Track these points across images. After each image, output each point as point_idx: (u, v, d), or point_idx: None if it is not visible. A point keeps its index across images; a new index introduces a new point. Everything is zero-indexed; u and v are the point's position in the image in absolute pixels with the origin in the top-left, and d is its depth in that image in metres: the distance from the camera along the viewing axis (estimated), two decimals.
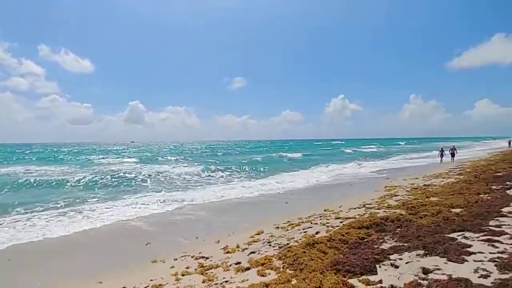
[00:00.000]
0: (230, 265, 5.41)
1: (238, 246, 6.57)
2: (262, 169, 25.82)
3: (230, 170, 24.57)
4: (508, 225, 5.75)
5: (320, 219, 8.10)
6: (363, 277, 4.06)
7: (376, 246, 5.19)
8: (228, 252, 6.31)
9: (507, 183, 10.83)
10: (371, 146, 77.99)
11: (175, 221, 9.67)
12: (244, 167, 26.57)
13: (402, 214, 7.23)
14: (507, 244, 4.73)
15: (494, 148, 53.22)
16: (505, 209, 6.99)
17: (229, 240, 7.16)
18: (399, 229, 6.13)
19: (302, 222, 8.01)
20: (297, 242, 6.11)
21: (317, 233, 6.71)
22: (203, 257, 6.21)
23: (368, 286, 3.80)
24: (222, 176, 21.93)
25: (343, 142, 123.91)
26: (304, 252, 5.19)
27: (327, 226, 7.17)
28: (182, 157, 43.12)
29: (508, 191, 9.29)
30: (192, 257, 6.31)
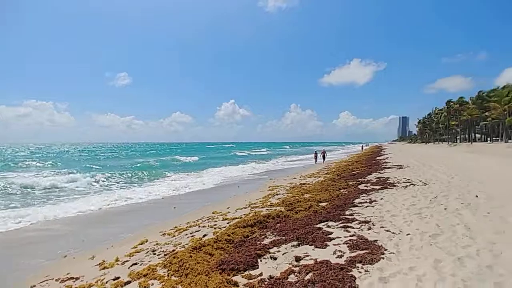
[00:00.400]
0: (107, 282, 4.78)
1: (117, 260, 5.89)
2: (148, 173, 23.99)
3: (110, 175, 21.82)
4: (358, 213, 7.18)
5: (208, 222, 8.14)
6: (246, 272, 4.28)
7: (259, 242, 5.58)
8: (105, 268, 5.57)
9: (359, 179, 13.56)
10: (262, 150, 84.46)
11: (31, 241, 7.83)
12: (129, 172, 24.14)
13: (281, 211, 8.03)
14: (356, 228, 5.90)
15: (352, 151, 66.58)
16: (356, 201, 8.70)
17: (107, 254, 6.34)
18: (278, 225, 6.78)
19: (190, 226, 7.86)
20: (184, 247, 5.95)
21: (204, 236, 6.71)
22: (72, 278, 5.28)
23: (250, 280, 4.04)
24: (98, 181, 19.26)
25: (234, 146, 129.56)
26: (191, 256, 5.10)
27: (215, 228, 7.27)
28: (49, 163, 35.90)
29: (359, 186, 11.62)
30: (57, 280, 5.27)
